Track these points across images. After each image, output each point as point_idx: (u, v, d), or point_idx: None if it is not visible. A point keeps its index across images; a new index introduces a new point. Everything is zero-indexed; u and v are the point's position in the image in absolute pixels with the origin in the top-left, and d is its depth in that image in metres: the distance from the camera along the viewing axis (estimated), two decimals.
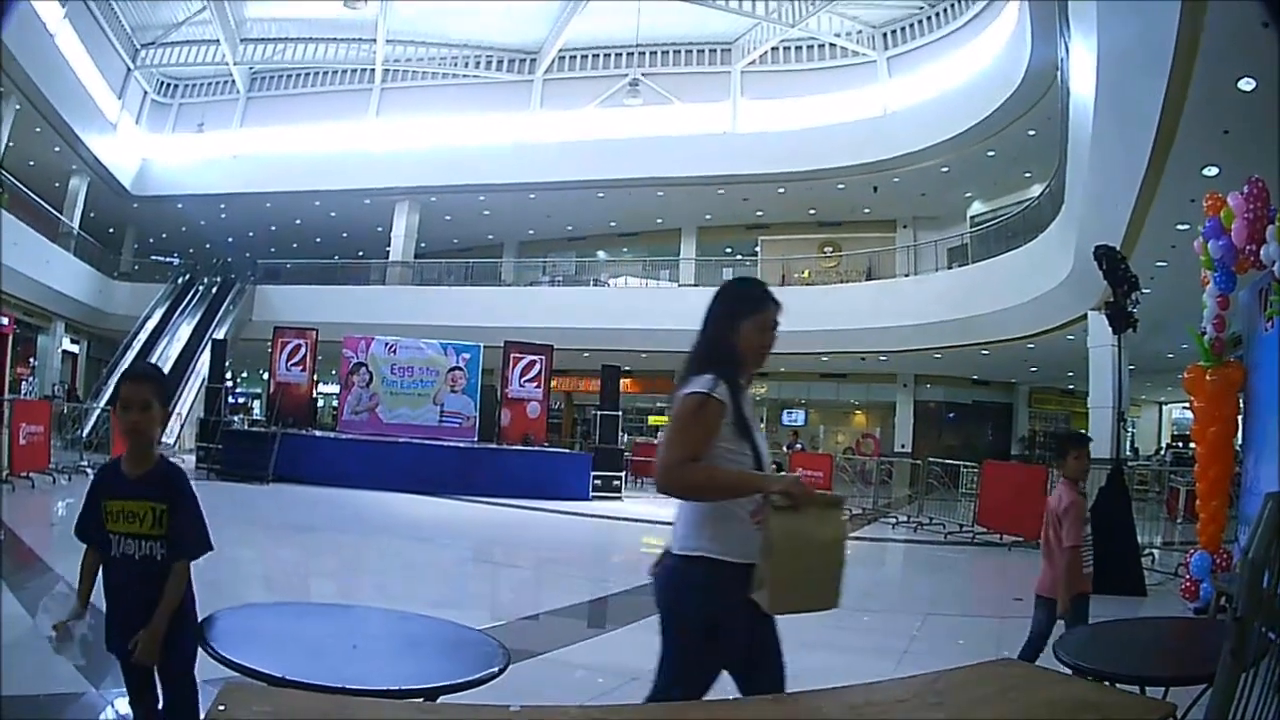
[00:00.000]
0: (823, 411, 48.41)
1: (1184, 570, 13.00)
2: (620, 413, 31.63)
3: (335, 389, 36.89)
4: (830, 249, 44.07)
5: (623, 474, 30.45)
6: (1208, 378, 12.24)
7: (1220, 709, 3.43)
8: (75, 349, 45.83)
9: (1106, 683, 4.10)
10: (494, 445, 29.41)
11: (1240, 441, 12.57)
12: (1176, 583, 13.45)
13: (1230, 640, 3.49)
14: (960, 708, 3.51)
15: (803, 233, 44.52)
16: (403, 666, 4.26)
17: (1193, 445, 15.73)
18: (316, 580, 13.55)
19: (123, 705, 6.23)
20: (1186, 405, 13.80)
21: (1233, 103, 14.16)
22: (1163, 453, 39.81)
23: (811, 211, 42.86)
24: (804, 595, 4.31)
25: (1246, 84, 13.77)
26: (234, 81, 49.17)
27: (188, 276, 44.39)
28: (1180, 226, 18.05)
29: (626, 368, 37.46)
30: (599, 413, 30.81)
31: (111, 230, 49.04)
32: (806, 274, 43.02)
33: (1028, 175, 35.30)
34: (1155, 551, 17.16)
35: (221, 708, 2.87)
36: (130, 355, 38.00)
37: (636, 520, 24.17)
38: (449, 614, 5.51)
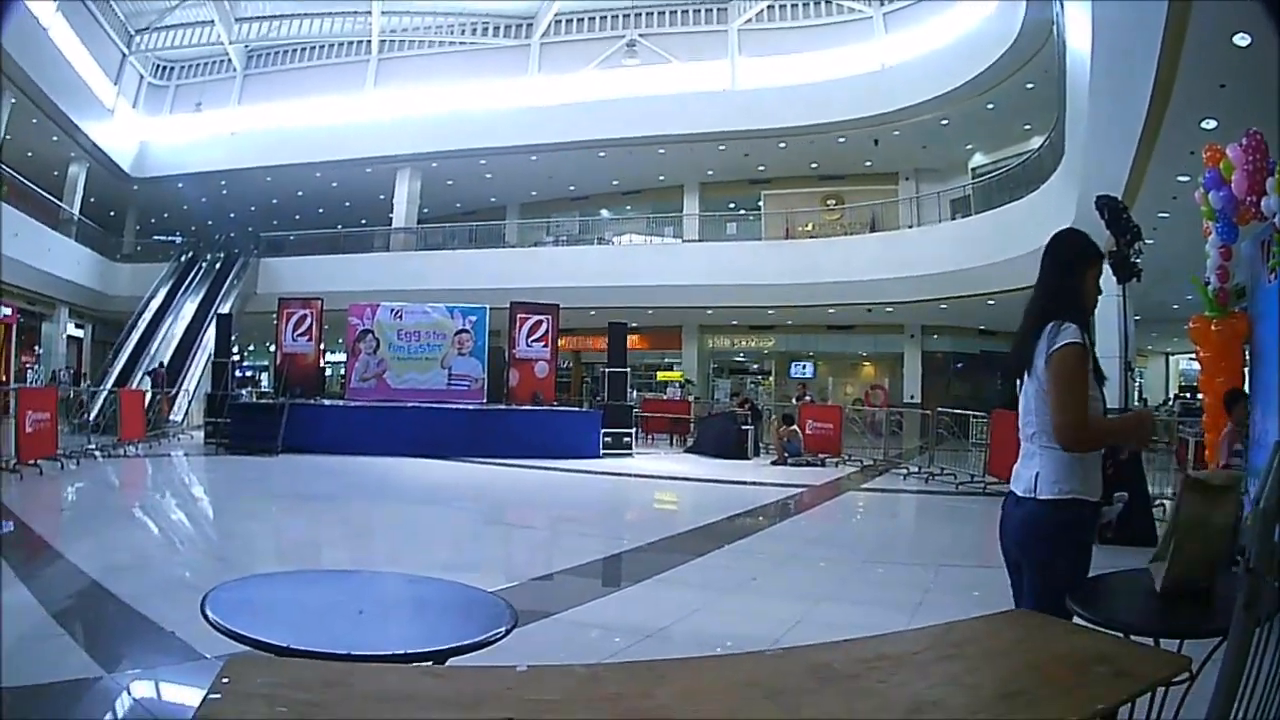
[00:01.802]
0: (831, 363, 48.44)
1: None
2: (628, 369, 31.86)
3: (343, 357, 36.89)
4: (833, 202, 44.07)
5: (633, 430, 30.68)
6: (1213, 328, 12.22)
7: (1234, 663, 3.38)
8: (80, 333, 45.89)
9: (1120, 634, 3.96)
10: (503, 406, 29.53)
11: (1248, 392, 12.46)
12: None
13: (1243, 593, 3.45)
14: (973, 659, 3.52)
15: (805, 186, 44.44)
16: (410, 630, 4.26)
17: (1200, 396, 15.69)
18: (327, 549, 13.46)
19: (137, 689, 6.43)
20: (1193, 356, 13.77)
21: (1229, 57, 14.14)
22: (1171, 403, 39.59)
23: (813, 165, 42.83)
24: (1192, 575, 4.36)
25: (1242, 39, 13.75)
26: (230, 60, 49.39)
27: (190, 254, 44.49)
28: (1181, 178, 18.05)
29: (633, 324, 37.84)
30: (607, 370, 30.79)
31: (113, 214, 49.20)
32: (810, 227, 43.05)
33: (1027, 127, 35.27)
34: (1166, 502, 17.06)
35: (225, 680, 2.84)
36: (135, 336, 38.28)
37: (648, 476, 24.35)
38: (462, 577, 5.44)
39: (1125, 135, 18.22)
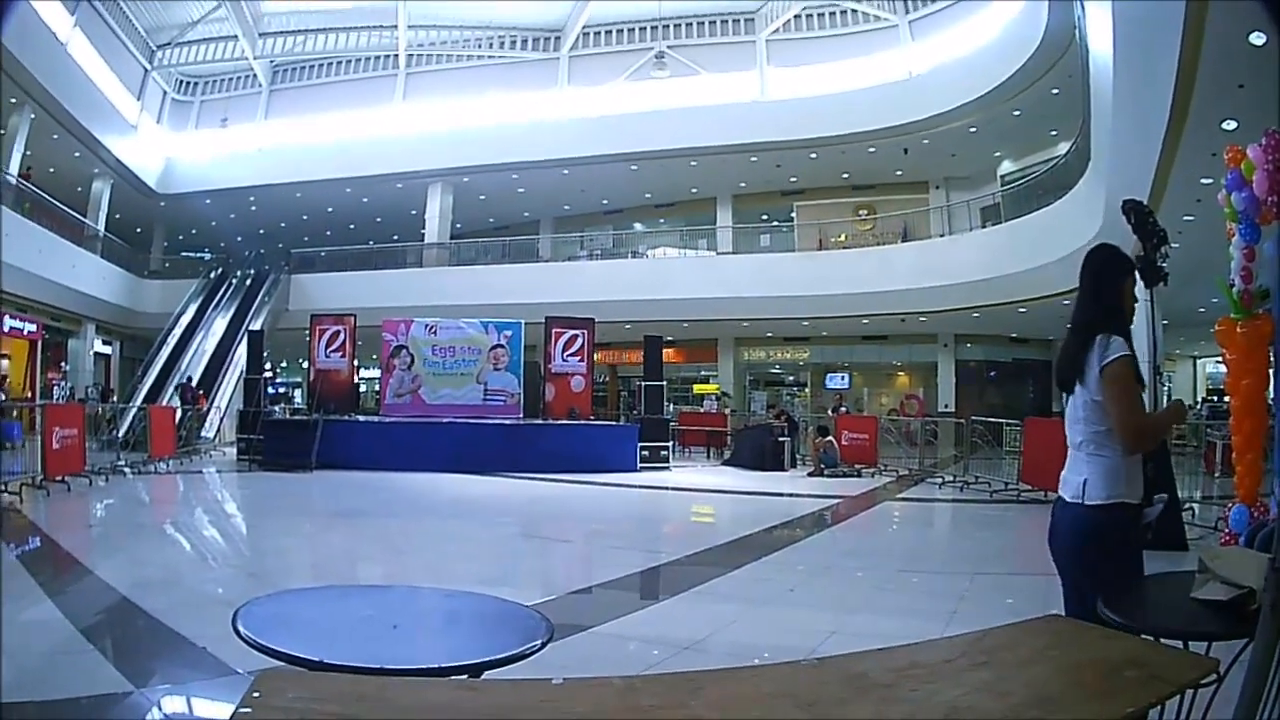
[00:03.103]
0: (866, 374, 48.23)
1: (1223, 524, 12.96)
2: (664, 382, 31.93)
3: (376, 374, 37.26)
4: (865, 212, 43.91)
5: (670, 444, 30.64)
6: (1238, 330, 12.12)
7: (1261, 663, 3.41)
8: (108, 350, 45.95)
9: (1150, 638, 3.95)
10: (539, 421, 29.62)
11: (1273, 395, 12.46)
12: (1216, 537, 13.37)
13: (1270, 594, 3.45)
14: (1005, 666, 3.47)
15: (837, 197, 44.30)
16: (445, 644, 4.24)
17: (1227, 398, 15.70)
18: (361, 565, 13.47)
19: (168, 703, 6.40)
20: (1219, 359, 13.75)
21: (1246, 57, 14.08)
22: (1198, 407, 39.53)
23: (845, 175, 42.81)
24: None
25: (1258, 38, 13.71)
26: (255, 76, 49.25)
27: (220, 270, 44.53)
28: (1204, 180, 17.94)
29: (669, 338, 37.89)
30: (643, 384, 30.88)
31: (139, 230, 49.37)
32: (843, 237, 42.97)
33: (1054, 133, 35.08)
34: (1195, 505, 17.05)
35: (256, 695, 2.79)
36: (165, 352, 38.37)
37: (685, 489, 24.34)
38: (498, 591, 5.39)
39: (1148, 138, 18.16)
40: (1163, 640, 3.95)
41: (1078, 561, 4.94)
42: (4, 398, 28.75)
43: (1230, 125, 16.50)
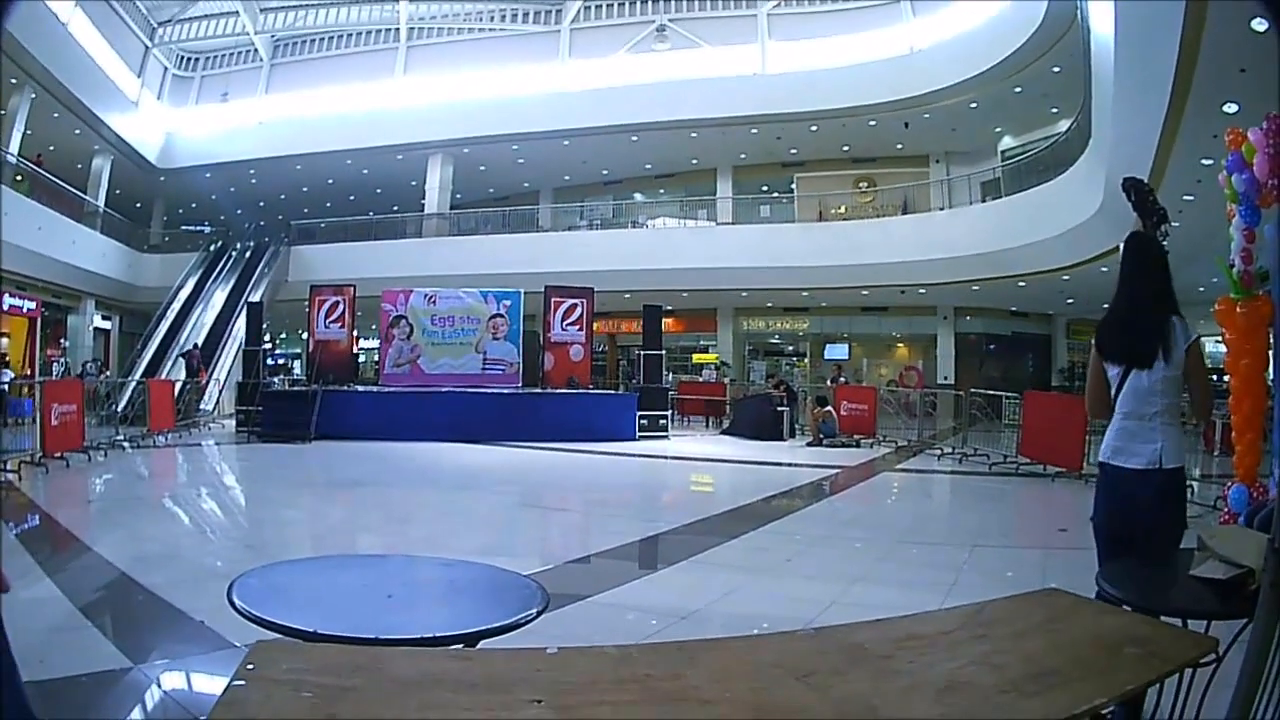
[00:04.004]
0: (865, 345, 48.20)
1: (1222, 503, 13.02)
2: (664, 352, 31.98)
3: (376, 344, 37.10)
4: (865, 184, 43.88)
5: (669, 413, 30.83)
6: (1238, 310, 12.10)
7: (1261, 643, 3.42)
8: (107, 325, 46.03)
9: (1148, 615, 4.04)
10: (538, 390, 29.66)
11: (1272, 375, 12.51)
12: (1215, 515, 13.29)
13: (1270, 572, 3.46)
14: (1003, 639, 3.54)
15: (837, 169, 44.27)
16: (440, 614, 4.24)
17: (1226, 378, 15.71)
18: (359, 535, 13.55)
19: (166, 679, 6.41)
20: (1219, 339, 13.73)
21: (1248, 42, 14.07)
22: None
23: (845, 148, 42.82)
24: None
25: (1260, 24, 13.70)
26: (256, 50, 49.33)
27: (219, 243, 44.65)
28: (1204, 161, 17.98)
29: (668, 307, 37.88)
30: (642, 353, 30.90)
31: (139, 205, 49.55)
32: (843, 209, 42.91)
33: (1054, 111, 35.16)
34: (1194, 484, 17.02)
35: (250, 667, 2.84)
36: (164, 326, 38.33)
37: (684, 458, 24.45)
38: (496, 561, 5.46)
39: (1149, 119, 18.17)
40: (1161, 618, 3.98)
41: (1158, 524, 5.19)
42: (13, 376, 28.92)
43: (1231, 108, 16.49)
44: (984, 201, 37.00)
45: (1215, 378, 37.45)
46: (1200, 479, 18.08)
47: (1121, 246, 6.04)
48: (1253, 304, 11.93)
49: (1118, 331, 5.55)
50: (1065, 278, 32.42)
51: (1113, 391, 5.48)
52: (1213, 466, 20.34)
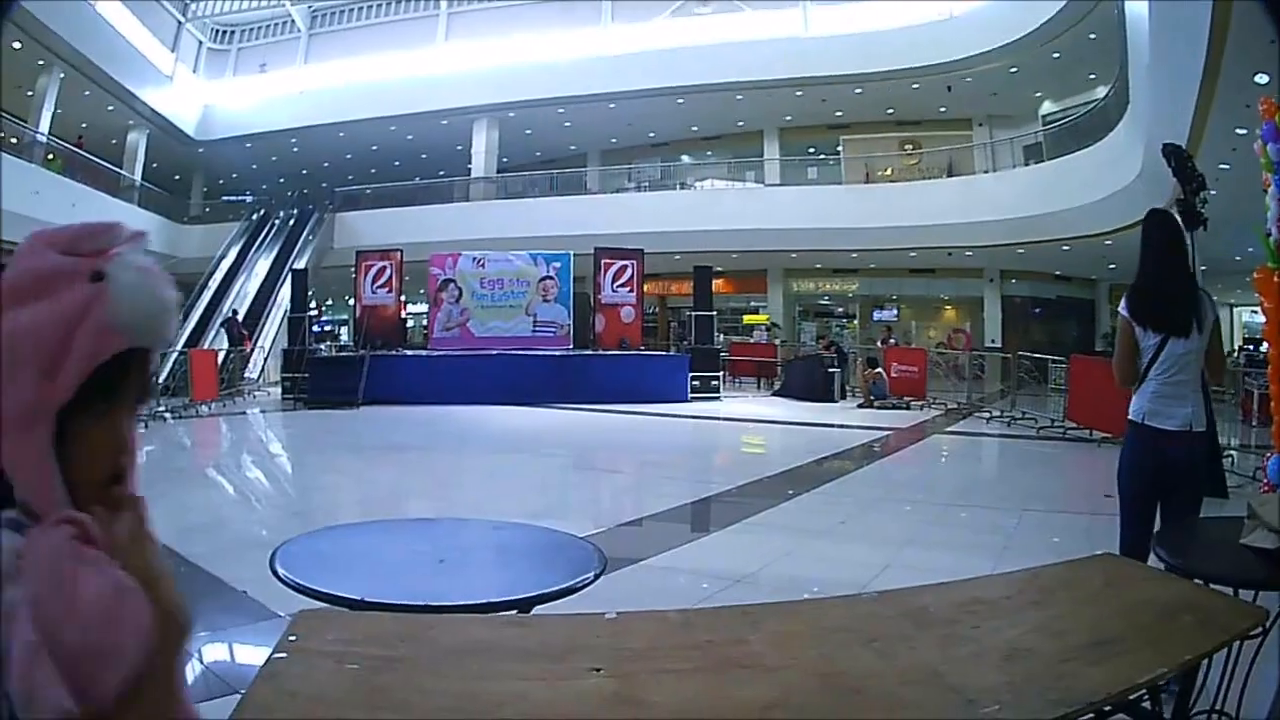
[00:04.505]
0: (914, 307, 48.18)
1: (1261, 473, 12.83)
2: (714, 313, 31.85)
3: (424, 308, 37.33)
4: (910, 147, 43.92)
5: (720, 374, 30.90)
6: (1275, 279, 12.04)
7: None
8: None
9: (1200, 582, 4.03)
10: (590, 352, 29.80)
11: None
12: (1255, 485, 13.22)
13: None
14: (1062, 605, 3.61)
15: (883, 131, 44.28)
16: (493, 579, 4.16)
17: (1264, 346, 15.60)
18: (409, 500, 13.48)
19: (207, 652, 6.48)
20: (1255, 309, 13.67)
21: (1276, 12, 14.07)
22: (1236, 355, 39.54)
23: (889, 111, 42.69)
24: None
25: None
26: (293, 21, 49.49)
27: (262, 213, 44.56)
28: (1239, 130, 17.87)
29: (718, 268, 37.84)
30: (693, 314, 30.73)
31: (178, 177, 49.68)
32: (890, 171, 43.07)
33: (1092, 77, 35.06)
34: (1233, 453, 17.16)
35: (293, 639, 2.80)
36: (206, 296, 38.40)
37: (736, 420, 24.79)
38: (548, 524, 5.49)
39: (1184, 87, 18.13)
40: (1212, 586, 4.01)
41: (1191, 483, 5.74)
42: None
43: (1263, 79, 16.47)
44: (1026, 165, 36.92)
45: (1253, 347, 37.41)
46: (1239, 449, 18.15)
47: (1143, 221, 6.22)
48: None
49: (1157, 301, 5.81)
50: (1108, 242, 32.04)
51: (1146, 359, 5.78)
52: (1251, 437, 20.31)
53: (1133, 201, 25.46)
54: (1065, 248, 34.71)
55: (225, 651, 6.65)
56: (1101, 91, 32.32)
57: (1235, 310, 49.84)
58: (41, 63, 33.62)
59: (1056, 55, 34.42)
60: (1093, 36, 31.25)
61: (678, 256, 38.22)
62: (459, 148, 46.48)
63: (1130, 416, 5.89)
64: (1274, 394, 12.05)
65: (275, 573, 3.81)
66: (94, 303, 1.38)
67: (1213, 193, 14.83)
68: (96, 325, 1.37)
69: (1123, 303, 5.97)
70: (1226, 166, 20.09)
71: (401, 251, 31.73)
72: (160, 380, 27.18)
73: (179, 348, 29.39)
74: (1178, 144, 14.31)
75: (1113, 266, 39.73)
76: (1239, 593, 4.04)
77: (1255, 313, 27.37)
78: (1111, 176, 26.80)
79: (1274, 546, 4.28)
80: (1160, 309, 5.80)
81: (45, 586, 1.28)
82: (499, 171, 46.94)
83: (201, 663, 6.22)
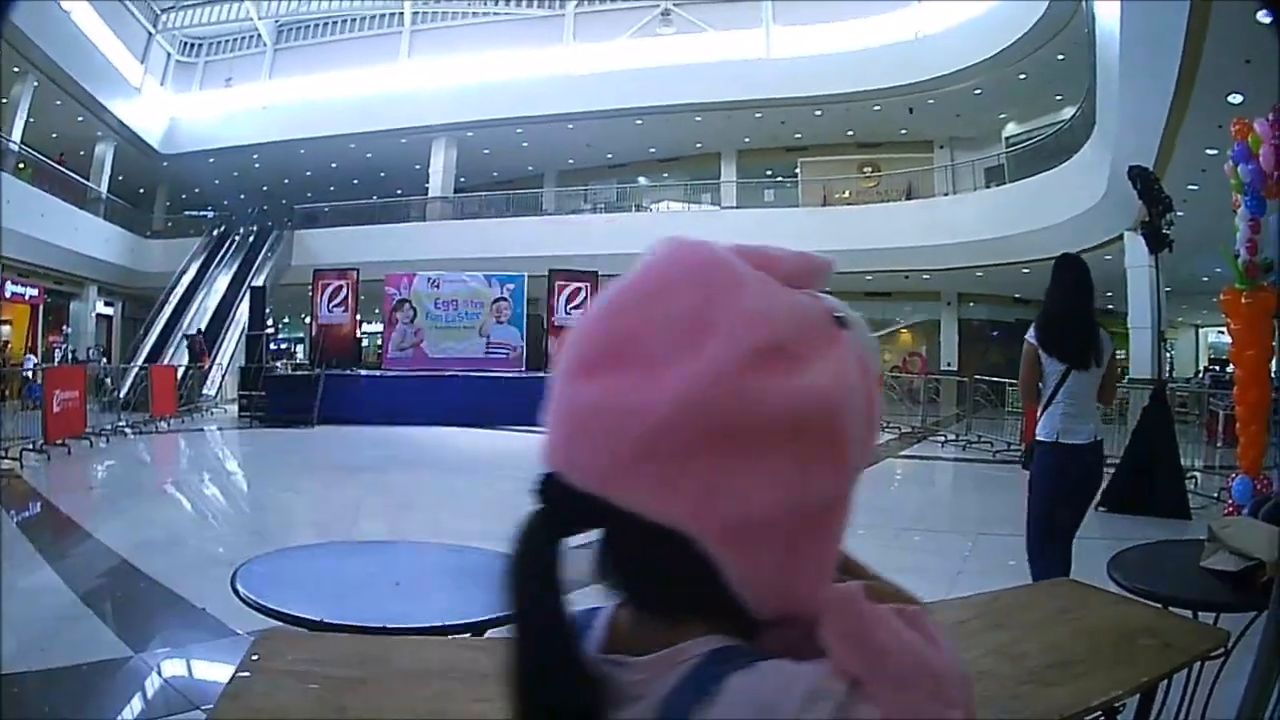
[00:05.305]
0: (870, 329, 47.67)
1: (1226, 494, 13.14)
2: None
3: (379, 328, 36.69)
4: (869, 169, 43.99)
5: None
6: (1243, 300, 12.14)
7: (1274, 638, 3.37)
8: (110, 311, 46.06)
9: (1159, 605, 4.11)
10: (542, 374, 29.27)
11: (1277, 367, 12.54)
12: (1219, 506, 13.41)
13: None
14: (1020, 629, 3.62)
15: (842, 154, 44.36)
16: (448, 601, 4.14)
17: (1230, 368, 15.73)
18: (364, 521, 13.47)
19: (167, 667, 6.46)
20: (1222, 330, 13.81)
21: (1253, 34, 14.12)
22: (1201, 375, 39.94)
23: (849, 133, 42.81)
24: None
25: (1265, 16, 13.74)
26: (260, 36, 49.53)
27: (223, 228, 44.51)
28: (1209, 151, 18.00)
29: None
30: None
31: (142, 191, 49.54)
32: (847, 194, 43.03)
33: (1059, 98, 35.09)
34: (1197, 474, 17.07)
35: (255, 657, 2.84)
36: (167, 311, 38.25)
37: None
38: (502, 546, 5.37)
39: (1154, 109, 18.32)
40: (1171, 609, 4.05)
41: (1092, 491, 6.84)
42: (36, 362, 29.24)
43: (1236, 99, 16.62)
44: (988, 187, 37.26)
45: (1218, 368, 37.79)
46: (1203, 470, 18.11)
47: (1055, 261, 7.07)
48: (1258, 295, 12.04)
49: (1067, 337, 6.72)
50: None
51: (1051, 383, 6.68)
52: (1216, 458, 20.40)
53: (1098, 223, 25.90)
54: (1025, 270, 34.45)
55: (186, 668, 6.67)
56: (1068, 112, 32.47)
57: (1201, 331, 50.36)
58: (17, 70, 33.64)
59: (1023, 76, 34.70)
60: (1061, 58, 31.52)
61: None
62: (417, 167, 46.62)
63: (1041, 438, 6.75)
64: (1240, 415, 12.24)
65: (236, 592, 3.85)
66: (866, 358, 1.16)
67: (1180, 214, 14.98)
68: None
69: (1031, 331, 6.85)
70: (1195, 187, 20.28)
71: (358, 271, 32.00)
72: (122, 394, 27.27)
73: (139, 363, 29.47)
74: (1144, 166, 14.42)
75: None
76: (1200, 615, 4.06)
77: (1222, 333, 27.56)
78: (1076, 198, 27.03)
79: (1235, 569, 4.34)
80: (1066, 343, 6.68)
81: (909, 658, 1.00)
82: (456, 191, 47.23)
83: (163, 678, 6.26)
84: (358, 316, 33.32)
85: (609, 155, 48.16)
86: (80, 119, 39.60)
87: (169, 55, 48.87)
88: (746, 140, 44.78)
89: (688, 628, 1.02)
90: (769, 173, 46.24)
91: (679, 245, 1.15)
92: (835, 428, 1.01)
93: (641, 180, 50.43)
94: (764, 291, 1.06)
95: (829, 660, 0.96)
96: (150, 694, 6.09)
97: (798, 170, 45.07)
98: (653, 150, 47.35)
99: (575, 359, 1.09)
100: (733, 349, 0.96)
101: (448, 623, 3.60)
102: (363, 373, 30.55)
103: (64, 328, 41.92)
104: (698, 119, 42.32)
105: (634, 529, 1.00)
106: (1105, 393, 6.85)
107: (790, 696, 0.90)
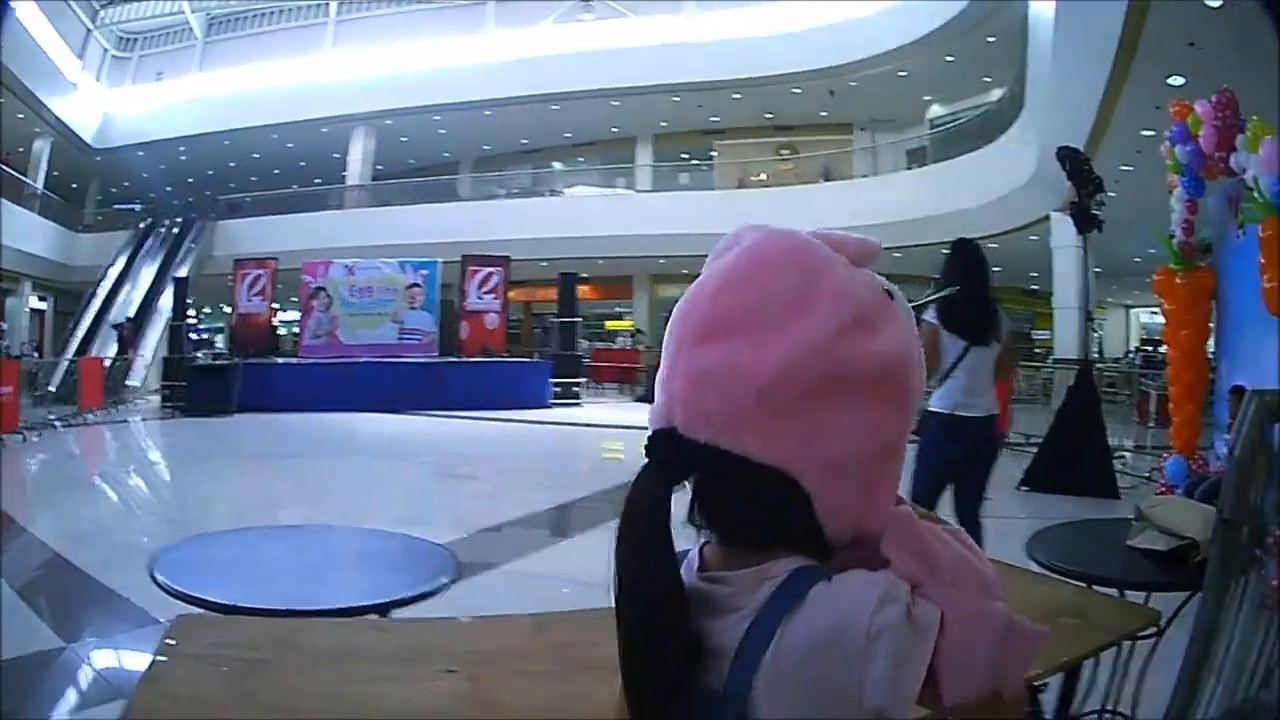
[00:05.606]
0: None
1: (1157, 474, 13.29)
2: (579, 319, 32.59)
3: (297, 316, 36.28)
4: (787, 152, 44.26)
5: (582, 380, 31.69)
6: (1178, 281, 12.23)
7: (1209, 617, 3.41)
8: (43, 305, 46.14)
9: (1083, 585, 4.11)
10: (454, 359, 30.07)
11: (1213, 347, 12.64)
12: (1149, 486, 13.58)
13: (1219, 545, 3.47)
14: None
15: (759, 136, 44.58)
16: (355, 584, 4.29)
17: (1163, 349, 15.86)
18: (281, 507, 13.63)
19: (98, 658, 6.61)
20: (1155, 310, 13.91)
21: (1199, 16, 14.23)
22: (1132, 355, 40.42)
23: (768, 116, 42.85)
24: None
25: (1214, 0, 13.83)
26: (192, 29, 49.51)
27: (149, 221, 44.41)
28: (1145, 132, 18.06)
29: (584, 274, 38.22)
30: (557, 320, 31.45)
31: (75, 185, 49.16)
32: (764, 177, 43.42)
33: (987, 80, 35.36)
34: (1127, 454, 17.41)
35: (171, 642, 2.91)
36: (95, 305, 38.26)
37: (596, 425, 24.77)
38: (412, 530, 5.63)
39: (1089, 90, 18.49)
40: (1095, 588, 4.07)
41: (990, 461, 7.07)
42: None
43: (1177, 81, 16.83)
44: (909, 169, 37.49)
45: (1150, 348, 38.00)
46: (1134, 450, 18.48)
47: (952, 245, 7.55)
48: (1194, 275, 12.18)
49: (966, 317, 7.00)
50: (994, 245, 32.15)
51: (950, 359, 6.91)
52: (1147, 438, 20.75)
53: (1023, 204, 26.14)
54: (945, 251, 34.64)
55: (112, 657, 6.83)
56: (996, 95, 32.98)
57: (1132, 312, 50.73)
58: None
59: (950, 59, 34.79)
60: (991, 40, 31.67)
61: (545, 263, 38.21)
62: (336, 155, 46.67)
63: (935, 409, 6.92)
64: (1174, 395, 12.39)
65: (154, 579, 3.88)
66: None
67: (1113, 195, 15.07)
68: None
69: (930, 312, 6.98)
70: (1129, 169, 20.47)
71: (277, 260, 32.07)
72: (53, 388, 27.19)
73: (69, 356, 29.37)
74: (1074, 147, 14.52)
75: (997, 270, 39.91)
76: (1130, 596, 4.14)
77: (1154, 314, 27.73)
78: (1002, 179, 27.33)
79: (1165, 548, 4.40)
80: (965, 322, 6.98)
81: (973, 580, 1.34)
82: (374, 179, 47.33)
83: (93, 668, 6.42)
84: (274, 305, 33.80)
85: (524, 141, 48.30)
86: (20, 115, 39.26)
87: (105, 51, 48.80)
88: (663, 124, 44.95)
89: (773, 553, 1.29)
90: (685, 156, 46.46)
91: (771, 232, 1.40)
92: (902, 380, 1.31)
93: (556, 165, 50.62)
94: (845, 272, 1.32)
95: (892, 570, 1.25)
96: (84, 685, 6.19)
97: (714, 153, 45.57)
98: (568, 135, 47.47)
99: (691, 331, 1.35)
100: (829, 321, 1.24)
101: (353, 604, 3.67)
102: (279, 361, 30.85)
103: (0, 324, 41.61)
104: (614, 103, 42.48)
105: (741, 470, 1.27)
106: (1002, 370, 7.22)
107: (865, 601, 1.17)
